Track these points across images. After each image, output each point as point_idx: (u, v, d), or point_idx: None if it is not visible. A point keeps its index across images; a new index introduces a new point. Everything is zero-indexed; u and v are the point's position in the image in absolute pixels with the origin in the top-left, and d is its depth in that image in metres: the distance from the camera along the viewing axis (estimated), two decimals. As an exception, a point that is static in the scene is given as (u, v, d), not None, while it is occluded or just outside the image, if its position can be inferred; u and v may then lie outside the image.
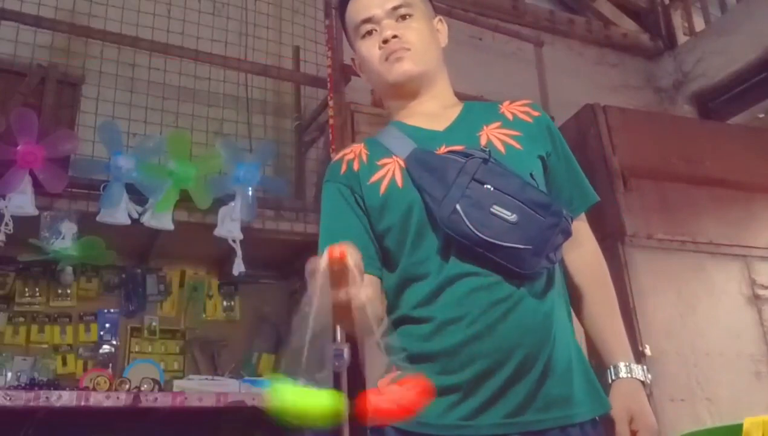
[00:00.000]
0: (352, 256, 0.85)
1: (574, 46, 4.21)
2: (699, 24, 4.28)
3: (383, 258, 1.16)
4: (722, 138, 3.28)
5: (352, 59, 1.34)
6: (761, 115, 3.97)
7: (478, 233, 1.02)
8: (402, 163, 1.14)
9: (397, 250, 1.12)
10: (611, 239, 2.73)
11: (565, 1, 4.43)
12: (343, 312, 0.88)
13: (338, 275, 0.84)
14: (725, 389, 2.68)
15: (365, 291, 0.87)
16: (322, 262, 0.84)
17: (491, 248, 1.02)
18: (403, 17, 1.22)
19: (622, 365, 1.13)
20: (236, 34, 2.92)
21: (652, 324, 2.67)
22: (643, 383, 1.12)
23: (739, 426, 1.42)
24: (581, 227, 1.23)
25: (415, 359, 1.06)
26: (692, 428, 1.84)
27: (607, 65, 4.29)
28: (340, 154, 1.26)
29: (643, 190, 2.91)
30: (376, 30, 1.22)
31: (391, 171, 1.15)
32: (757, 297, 2.93)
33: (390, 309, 1.15)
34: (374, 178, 1.16)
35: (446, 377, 1.03)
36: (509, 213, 1.03)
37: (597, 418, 1.07)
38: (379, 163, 1.17)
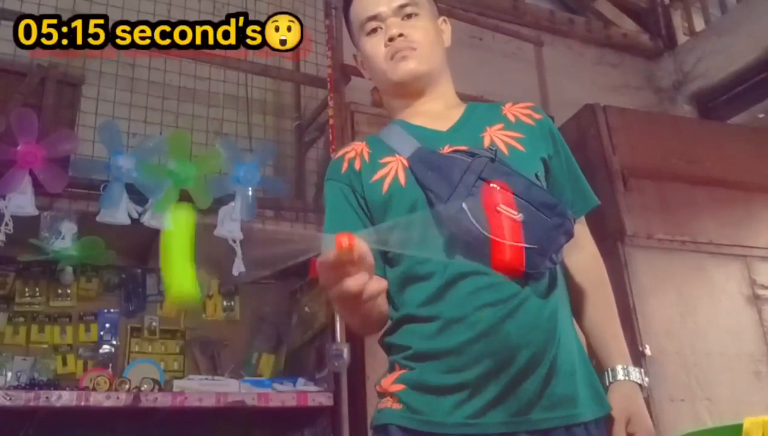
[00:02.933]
0: (361, 245, 0.84)
1: (574, 46, 4.21)
2: (699, 24, 4.28)
3: (385, 257, 1.16)
4: (722, 138, 3.29)
5: (354, 56, 1.34)
6: (761, 115, 3.97)
7: (485, 232, 1.02)
8: (405, 162, 1.14)
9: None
10: (611, 239, 2.74)
11: (565, 1, 4.42)
12: (349, 303, 0.87)
13: (346, 264, 0.83)
14: (725, 389, 2.68)
15: (378, 283, 0.87)
16: (330, 253, 0.83)
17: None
18: (409, 16, 1.22)
19: (619, 368, 1.13)
20: (236, 34, 2.92)
21: (652, 324, 2.67)
22: (640, 386, 1.13)
23: (739, 426, 1.42)
24: (581, 231, 1.23)
25: (420, 357, 1.06)
26: (692, 428, 1.84)
27: (607, 65, 4.29)
28: (341, 151, 1.26)
29: (643, 190, 2.91)
30: (381, 28, 1.22)
31: (394, 169, 1.15)
32: (757, 297, 2.93)
33: (393, 307, 1.15)
34: (376, 176, 1.16)
35: (452, 375, 1.03)
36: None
37: (600, 418, 1.07)
38: (382, 161, 1.17)
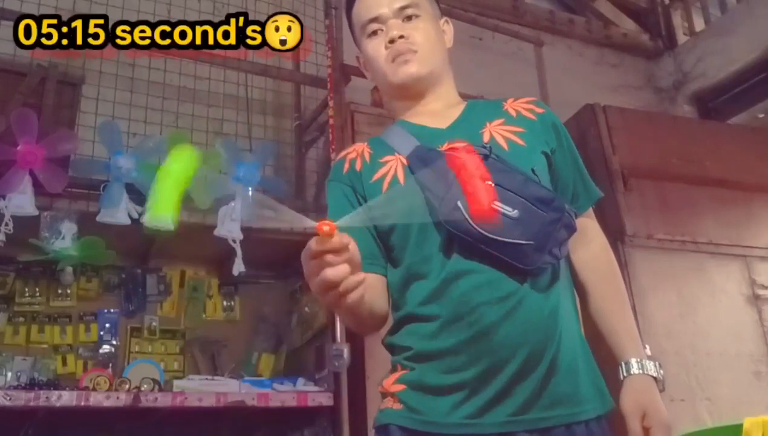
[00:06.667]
0: (343, 235, 0.83)
1: (574, 46, 4.21)
2: (699, 24, 4.28)
3: (388, 256, 1.16)
4: (722, 138, 3.28)
5: (357, 57, 1.34)
6: (761, 115, 3.97)
7: (480, 229, 1.02)
8: (404, 161, 1.15)
9: (401, 247, 1.13)
10: (611, 239, 2.70)
11: (565, 1, 4.42)
12: (330, 295, 0.86)
13: (327, 253, 0.83)
14: (725, 388, 2.68)
15: (357, 275, 0.85)
16: (311, 241, 0.83)
17: (493, 244, 1.02)
18: (410, 18, 1.23)
19: (633, 361, 1.12)
20: (236, 34, 2.92)
21: (652, 324, 2.67)
22: (655, 379, 1.12)
23: (739, 426, 1.42)
24: (589, 224, 1.23)
25: (420, 357, 1.07)
26: (692, 428, 1.84)
27: (607, 65, 4.29)
28: (343, 153, 1.27)
29: (643, 190, 2.91)
30: (382, 30, 1.23)
31: (393, 168, 1.15)
32: (757, 297, 2.93)
33: (395, 307, 1.15)
34: (377, 176, 1.17)
35: (452, 375, 1.03)
36: (511, 209, 1.03)
37: (602, 415, 1.07)
38: (382, 160, 1.18)
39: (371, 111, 2.70)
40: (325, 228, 0.80)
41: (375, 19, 1.23)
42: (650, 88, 4.33)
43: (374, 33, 1.24)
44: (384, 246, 1.17)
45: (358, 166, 1.20)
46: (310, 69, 2.91)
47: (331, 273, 0.83)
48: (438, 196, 1.07)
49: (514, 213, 1.03)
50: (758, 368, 2.79)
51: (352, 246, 0.85)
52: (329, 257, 0.83)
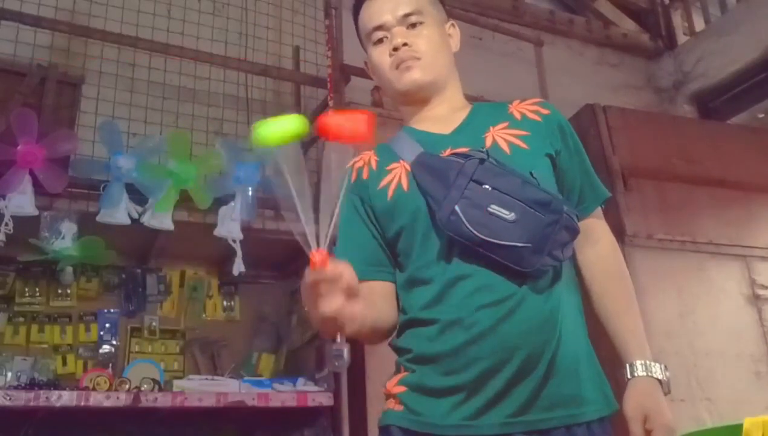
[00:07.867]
0: (337, 265, 0.85)
1: (574, 46, 4.21)
2: (699, 24, 4.28)
3: (395, 262, 1.18)
4: (722, 138, 3.28)
5: (365, 62, 1.36)
6: (761, 115, 3.97)
7: (477, 233, 1.03)
8: (408, 168, 1.16)
9: (407, 253, 1.14)
10: (611, 239, 2.73)
11: (565, 1, 4.42)
12: (327, 326, 0.89)
13: (320, 282, 0.85)
14: (725, 389, 2.68)
15: (351, 308, 0.88)
16: (306, 273, 0.85)
17: (491, 248, 1.03)
18: (414, 25, 1.23)
19: (638, 363, 1.11)
20: (236, 34, 2.92)
21: (652, 324, 2.66)
22: (660, 381, 1.11)
23: (739, 426, 1.42)
24: (597, 224, 1.24)
25: (420, 359, 1.08)
26: (692, 428, 1.84)
27: (607, 65, 4.29)
28: (351, 162, 1.27)
29: (643, 190, 2.91)
30: (387, 37, 1.24)
31: (397, 176, 1.17)
32: (757, 297, 2.93)
33: (401, 311, 1.16)
34: (382, 183, 1.18)
35: (450, 377, 1.04)
36: (507, 212, 1.04)
37: (605, 417, 1.07)
38: (388, 168, 1.19)
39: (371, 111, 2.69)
40: (317, 259, 0.82)
41: (380, 27, 1.24)
42: (650, 88, 4.33)
43: (379, 41, 1.25)
44: (391, 252, 1.18)
45: (365, 175, 1.22)
46: (310, 69, 2.91)
47: (325, 309, 0.86)
48: (438, 201, 1.08)
49: (511, 216, 1.04)
50: (758, 368, 2.79)
51: (347, 273, 0.87)
52: (324, 287, 0.85)
